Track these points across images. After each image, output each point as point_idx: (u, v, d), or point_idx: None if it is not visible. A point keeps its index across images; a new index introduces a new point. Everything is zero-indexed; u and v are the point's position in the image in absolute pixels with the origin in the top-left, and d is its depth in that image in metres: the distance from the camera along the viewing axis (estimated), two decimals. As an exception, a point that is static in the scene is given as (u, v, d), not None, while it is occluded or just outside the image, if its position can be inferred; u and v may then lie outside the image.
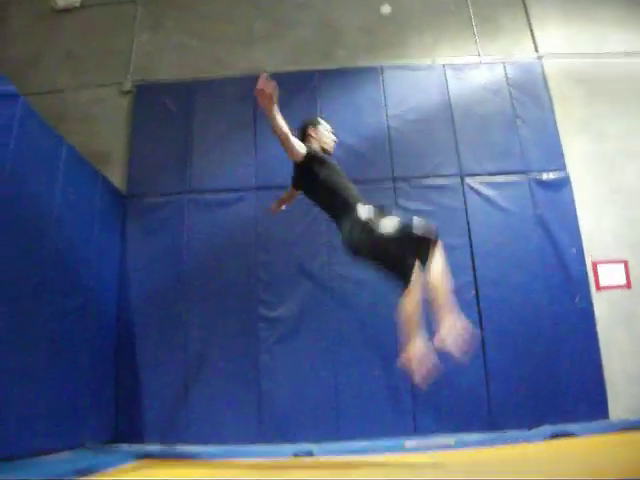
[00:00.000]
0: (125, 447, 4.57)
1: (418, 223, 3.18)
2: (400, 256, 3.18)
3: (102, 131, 6.00)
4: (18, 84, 3.82)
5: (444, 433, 4.70)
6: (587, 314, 5.22)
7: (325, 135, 3.71)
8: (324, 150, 3.65)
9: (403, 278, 3.18)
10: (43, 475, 2.95)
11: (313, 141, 3.65)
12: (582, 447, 3.91)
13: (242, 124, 5.82)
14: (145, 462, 3.98)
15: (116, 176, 5.70)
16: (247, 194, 5.59)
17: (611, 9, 6.36)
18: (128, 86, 6.11)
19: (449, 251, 5.04)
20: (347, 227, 3.32)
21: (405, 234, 3.18)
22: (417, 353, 3.18)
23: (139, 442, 4.83)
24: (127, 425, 5.02)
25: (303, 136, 3.66)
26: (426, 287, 3.16)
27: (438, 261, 3.15)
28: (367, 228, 3.22)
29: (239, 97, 5.86)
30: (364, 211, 3.29)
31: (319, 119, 3.81)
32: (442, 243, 3.26)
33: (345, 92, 5.89)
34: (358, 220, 3.26)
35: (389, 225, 3.19)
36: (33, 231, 3.96)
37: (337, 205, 3.42)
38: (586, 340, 5.15)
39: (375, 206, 3.37)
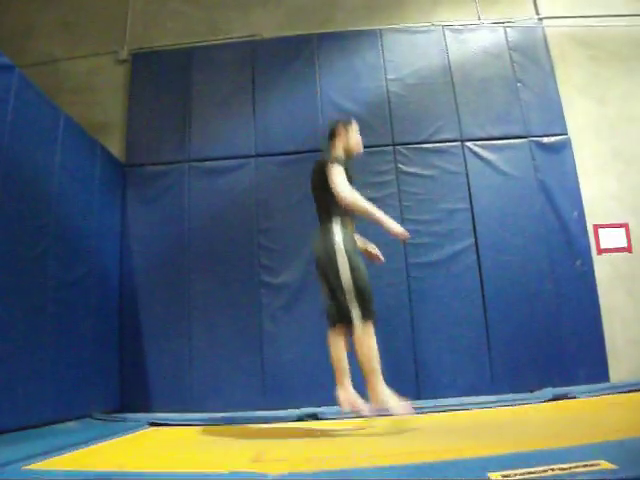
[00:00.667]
0: (132, 416, 4.59)
1: (351, 304, 3.19)
2: (343, 304, 3.22)
3: (100, 101, 5.96)
4: (13, 55, 3.81)
5: (447, 396, 4.74)
6: (588, 277, 5.24)
7: (354, 137, 3.66)
8: (348, 152, 3.62)
9: (339, 317, 3.28)
10: (56, 444, 2.95)
11: (340, 142, 3.61)
12: (582, 409, 3.92)
13: (241, 90, 5.77)
14: (153, 430, 4.00)
15: (115, 145, 5.69)
16: (247, 161, 5.56)
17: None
18: (124, 55, 6.05)
19: (450, 215, 5.22)
20: (321, 239, 3.36)
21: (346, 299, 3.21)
22: (347, 397, 3.34)
23: (145, 411, 4.87)
24: (133, 394, 5.08)
25: (334, 134, 3.65)
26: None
27: (360, 343, 3.19)
28: (330, 252, 3.25)
29: (237, 63, 5.83)
30: (338, 239, 3.27)
31: (352, 120, 3.74)
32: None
33: (344, 56, 5.82)
34: (330, 245, 3.27)
35: (347, 280, 3.20)
36: (33, 202, 3.96)
37: (326, 215, 3.40)
38: (587, 303, 5.18)
39: (349, 241, 3.34)
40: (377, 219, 3.29)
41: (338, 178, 3.27)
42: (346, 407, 3.32)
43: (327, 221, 3.35)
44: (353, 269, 3.21)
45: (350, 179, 3.41)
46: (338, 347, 3.34)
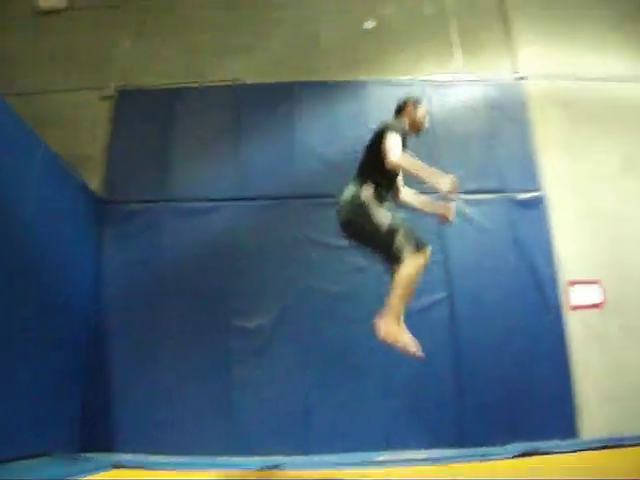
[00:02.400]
0: (94, 456, 4.49)
1: (399, 243, 3.19)
2: (385, 244, 3.25)
3: (82, 135, 5.95)
4: (-1, 84, 3.79)
5: (416, 448, 4.71)
6: (560, 333, 5.29)
7: (422, 116, 3.74)
8: (414, 126, 3.72)
9: (390, 259, 3.30)
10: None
11: (406, 117, 3.70)
12: (549, 465, 3.92)
13: (222, 133, 5.84)
14: (116, 472, 3.92)
15: (94, 181, 5.66)
16: (225, 204, 5.57)
17: (592, 32, 6.47)
18: (110, 91, 6.08)
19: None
20: (346, 201, 3.45)
21: (389, 235, 3.23)
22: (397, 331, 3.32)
23: (107, 451, 4.76)
24: (95, 433, 4.93)
25: (403, 108, 3.74)
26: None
27: (403, 270, 3.18)
28: (362, 209, 3.32)
29: (219, 106, 5.91)
30: (366, 192, 3.36)
31: (421, 100, 3.84)
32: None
33: (326, 105, 5.92)
34: (357, 197, 3.36)
35: (382, 218, 3.25)
36: (3, 233, 3.88)
37: (361, 177, 3.51)
38: (558, 359, 5.21)
39: (379, 194, 3.41)
40: (427, 174, 3.22)
41: (392, 142, 3.31)
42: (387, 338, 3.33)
43: (359, 182, 3.46)
44: (386, 213, 3.29)
45: (404, 146, 3.47)
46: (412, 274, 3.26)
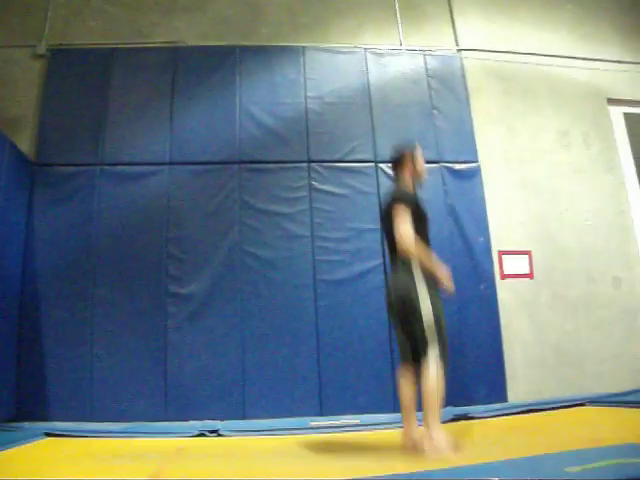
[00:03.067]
0: (27, 425, 4.41)
1: (430, 340, 3.15)
2: (418, 333, 3.19)
3: (12, 95, 5.67)
4: None
5: (350, 414, 4.80)
6: (491, 301, 5.45)
7: (420, 163, 3.67)
8: (417, 178, 3.65)
9: (412, 353, 3.26)
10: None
11: (407, 171, 3.62)
12: (480, 429, 4.06)
13: (159, 96, 5.66)
14: (49, 440, 3.87)
15: (25, 143, 5.43)
16: (160, 168, 5.45)
17: (530, 9, 6.62)
18: (42, 50, 5.79)
19: (360, 234, 5.31)
20: (400, 278, 3.32)
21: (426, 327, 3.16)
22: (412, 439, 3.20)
23: (43, 420, 4.67)
24: (30, 402, 4.82)
25: (401, 162, 3.65)
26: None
27: (429, 381, 3.10)
28: (412, 290, 3.21)
29: (157, 68, 5.74)
30: (418, 274, 3.24)
31: (417, 147, 3.75)
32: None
33: (265, 70, 5.83)
34: (411, 279, 3.23)
35: (427, 311, 3.16)
36: None
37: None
38: (489, 326, 5.38)
39: (431, 281, 3.30)
40: (433, 269, 3.26)
41: (401, 220, 3.26)
42: (410, 450, 3.16)
43: (405, 262, 3.28)
44: (435, 308, 3.17)
45: (420, 212, 3.40)
46: (408, 385, 3.30)
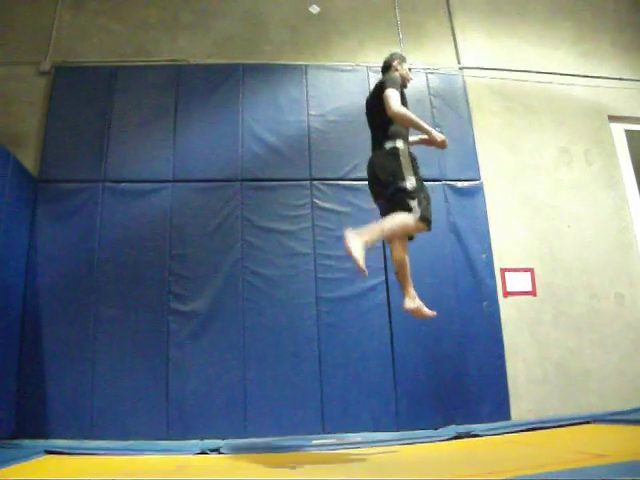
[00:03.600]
0: (27, 443, 4.37)
1: (412, 207, 3.35)
2: (401, 203, 3.39)
3: (16, 111, 5.71)
4: None
5: (352, 432, 4.76)
6: (494, 319, 5.42)
7: (406, 71, 3.95)
8: (403, 81, 3.82)
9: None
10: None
11: (396, 72, 3.84)
12: (483, 447, 4.04)
13: (162, 114, 5.70)
14: (49, 458, 3.84)
15: (28, 159, 5.45)
16: (164, 185, 5.47)
17: (532, 26, 6.67)
18: (47, 67, 5.85)
19: None
20: (382, 154, 3.57)
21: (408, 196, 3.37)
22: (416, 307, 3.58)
23: (43, 437, 4.63)
24: (30, 419, 4.78)
25: (389, 65, 3.94)
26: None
27: (399, 216, 3.35)
28: (394, 161, 3.46)
29: (161, 86, 5.78)
30: (401, 145, 3.50)
31: (405, 57, 4.09)
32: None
33: (268, 88, 5.87)
34: (393, 148, 3.50)
35: (411, 180, 3.40)
36: None
37: (386, 132, 3.56)
38: (492, 344, 5.35)
39: (411, 153, 3.58)
40: (424, 129, 3.54)
41: (392, 95, 3.47)
42: (417, 315, 3.58)
43: (385, 139, 3.56)
44: (417, 175, 3.44)
45: (405, 104, 3.60)
46: (399, 250, 3.53)
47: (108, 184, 5.45)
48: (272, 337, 5.11)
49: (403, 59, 3.98)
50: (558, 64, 6.49)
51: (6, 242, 4.79)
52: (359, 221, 5.26)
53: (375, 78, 5.91)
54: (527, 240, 5.79)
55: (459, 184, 5.74)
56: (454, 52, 6.39)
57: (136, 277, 5.21)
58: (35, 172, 5.47)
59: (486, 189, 5.78)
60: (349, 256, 3.20)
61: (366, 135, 5.63)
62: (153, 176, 5.51)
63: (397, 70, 3.86)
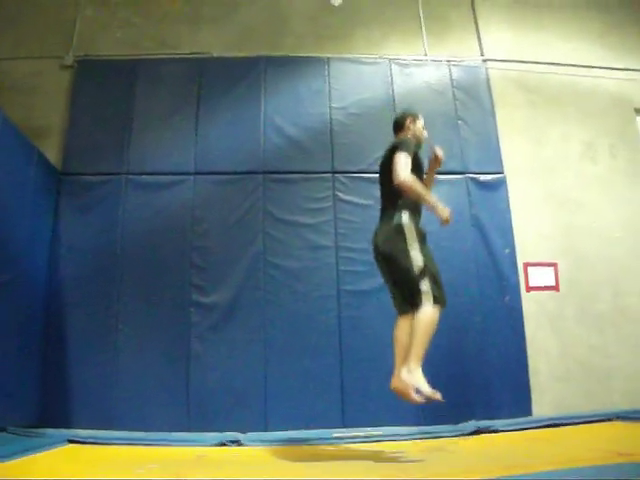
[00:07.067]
0: (50, 432, 4.40)
1: (424, 289, 3.19)
2: (410, 283, 3.23)
3: (40, 105, 5.78)
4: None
5: (372, 426, 4.73)
6: (516, 313, 5.37)
7: (421, 130, 3.75)
8: (417, 141, 3.66)
9: (407, 304, 3.29)
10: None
11: (409, 132, 3.69)
12: (503, 442, 4.00)
13: (184, 106, 5.72)
14: (71, 447, 3.87)
15: (52, 152, 5.51)
16: (185, 177, 5.50)
17: (556, 18, 6.57)
18: (70, 61, 5.90)
19: None
20: (387, 227, 3.39)
21: (418, 276, 3.20)
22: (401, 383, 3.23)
23: (65, 426, 4.67)
24: (53, 408, 4.86)
25: (402, 125, 3.74)
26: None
27: (422, 318, 3.17)
28: (398, 234, 3.28)
29: (183, 78, 5.82)
30: (406, 221, 3.31)
31: (419, 114, 3.82)
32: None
33: (290, 81, 5.87)
34: (398, 225, 3.30)
35: (417, 260, 3.21)
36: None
37: (394, 202, 3.40)
38: (514, 338, 5.30)
39: (419, 227, 3.39)
40: (430, 202, 3.32)
41: (401, 162, 3.29)
42: (400, 393, 3.25)
43: (392, 209, 3.38)
44: (423, 251, 3.24)
45: (419, 165, 3.49)
46: (403, 333, 3.33)
47: (130, 177, 5.49)
48: (293, 330, 5.11)
49: (416, 116, 3.76)
50: (583, 56, 6.38)
51: (30, 234, 4.86)
52: (380, 214, 5.35)
53: (398, 70, 5.93)
54: (551, 234, 5.71)
55: (482, 177, 5.68)
56: (477, 44, 6.32)
57: (158, 269, 5.25)
58: (58, 165, 5.53)
59: (509, 183, 5.72)
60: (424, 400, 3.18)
61: (388, 128, 5.63)
62: (175, 169, 5.54)
63: (410, 129, 3.69)
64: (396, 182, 3.26)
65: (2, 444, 3.66)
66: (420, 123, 3.75)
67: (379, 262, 3.46)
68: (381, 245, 3.38)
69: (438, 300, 3.21)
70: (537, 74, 6.22)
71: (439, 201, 3.35)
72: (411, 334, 3.18)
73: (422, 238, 3.34)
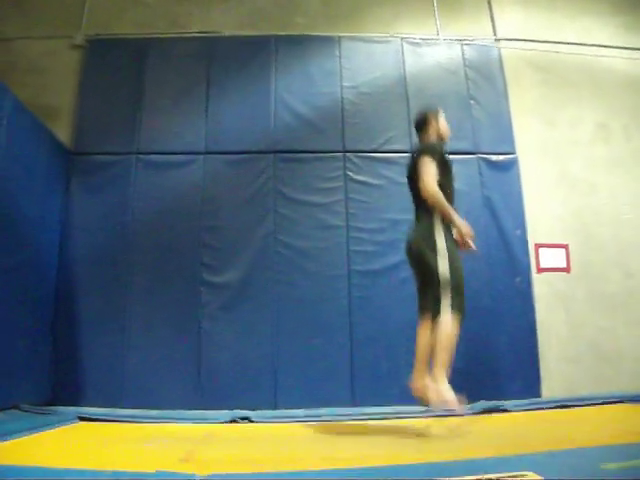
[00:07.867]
0: (61, 409, 4.45)
1: (445, 295, 3.22)
2: (436, 287, 3.27)
3: (51, 85, 5.76)
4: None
5: (382, 405, 4.74)
6: (526, 295, 5.36)
7: (444, 125, 3.74)
8: (440, 139, 3.69)
9: (428, 305, 3.33)
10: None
11: (432, 129, 3.69)
12: (512, 422, 4.01)
13: (195, 86, 5.70)
14: (82, 424, 3.91)
15: (63, 132, 5.51)
16: (196, 157, 5.49)
17: (570, -1, 6.45)
18: (80, 40, 5.87)
19: (395, 225, 5.24)
20: (419, 231, 3.44)
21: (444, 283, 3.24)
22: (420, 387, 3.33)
23: (76, 404, 4.71)
24: (64, 386, 4.91)
25: (424, 122, 3.73)
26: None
27: (443, 329, 3.19)
28: (430, 245, 3.31)
29: (193, 58, 5.79)
30: (439, 230, 3.34)
31: (439, 109, 3.83)
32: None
33: (301, 60, 5.83)
34: (430, 230, 3.34)
35: (445, 268, 3.24)
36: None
37: (426, 206, 3.41)
38: (524, 320, 5.29)
39: (450, 237, 3.40)
40: (453, 220, 3.35)
41: (426, 171, 3.35)
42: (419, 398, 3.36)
43: (426, 215, 3.40)
44: (452, 265, 3.25)
45: (445, 164, 3.50)
46: (424, 336, 3.36)
47: (141, 156, 5.49)
48: (303, 309, 5.13)
49: (437, 112, 3.76)
50: (597, 36, 6.28)
51: (41, 214, 4.88)
52: (391, 194, 5.34)
53: (410, 50, 5.88)
54: (562, 216, 5.67)
55: (494, 157, 5.65)
56: (490, 23, 6.22)
57: (169, 248, 5.26)
58: (69, 145, 5.53)
59: (521, 163, 5.68)
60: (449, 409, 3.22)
61: (399, 108, 5.62)
62: (185, 148, 5.53)
63: (434, 126, 3.68)
64: (423, 193, 3.33)
65: (15, 421, 3.73)
66: (442, 118, 3.74)
67: (411, 262, 3.52)
68: (414, 248, 3.44)
69: (458, 310, 3.24)
70: (550, 54, 6.13)
71: (463, 221, 3.39)
72: (434, 342, 3.23)
73: (452, 244, 3.36)
